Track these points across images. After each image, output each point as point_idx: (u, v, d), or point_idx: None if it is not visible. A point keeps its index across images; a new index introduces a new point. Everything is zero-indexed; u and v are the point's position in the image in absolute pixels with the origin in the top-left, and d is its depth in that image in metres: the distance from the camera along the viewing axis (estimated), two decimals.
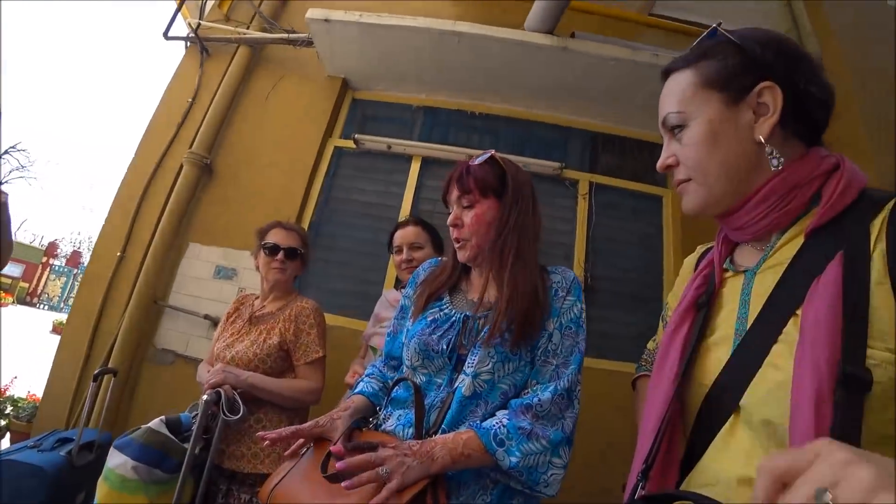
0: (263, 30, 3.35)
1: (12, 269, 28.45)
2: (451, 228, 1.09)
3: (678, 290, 0.92)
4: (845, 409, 0.49)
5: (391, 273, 2.75)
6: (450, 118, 3.26)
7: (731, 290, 0.71)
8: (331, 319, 2.49)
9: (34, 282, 31.44)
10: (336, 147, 3.16)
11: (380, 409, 1.07)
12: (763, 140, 0.65)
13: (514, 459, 0.86)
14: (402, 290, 1.89)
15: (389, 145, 3.09)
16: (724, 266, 0.75)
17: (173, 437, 1.50)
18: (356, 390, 1.13)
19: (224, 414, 1.52)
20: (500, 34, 2.69)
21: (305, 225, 2.92)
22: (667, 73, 0.76)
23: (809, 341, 0.53)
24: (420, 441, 0.87)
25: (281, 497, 0.91)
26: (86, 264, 3.03)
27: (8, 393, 3.39)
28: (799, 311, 0.58)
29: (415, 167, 3.09)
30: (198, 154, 2.95)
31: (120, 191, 3.00)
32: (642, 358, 1.11)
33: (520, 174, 1.12)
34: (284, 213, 2.76)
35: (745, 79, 0.66)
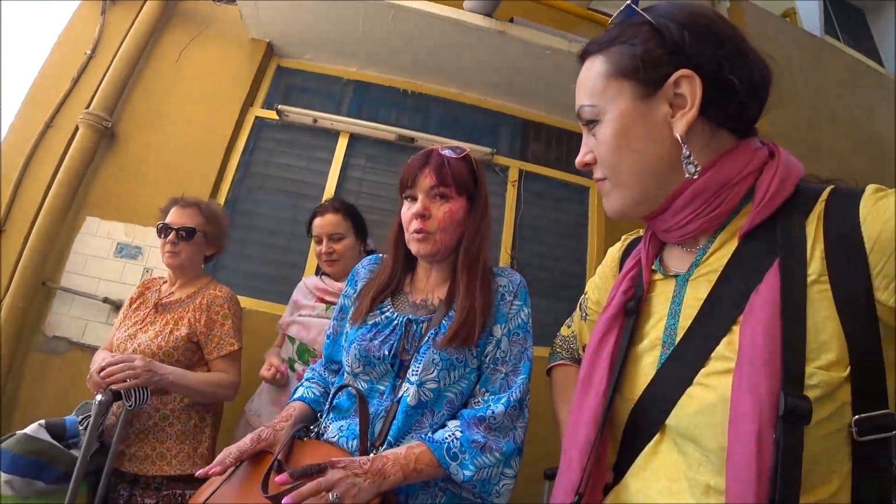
0: None
1: None
2: (413, 219, 1.01)
3: (600, 282, 0.92)
4: (786, 442, 0.47)
5: (313, 257, 2.63)
6: (380, 95, 3.13)
7: (661, 295, 0.68)
8: (247, 303, 2.36)
9: None
10: (257, 117, 2.94)
11: (321, 416, 1.02)
12: (680, 138, 0.58)
13: (468, 473, 0.86)
14: (323, 278, 1.82)
15: (315, 119, 2.92)
16: (653, 268, 0.71)
17: (56, 444, 1.34)
18: (296, 396, 1.08)
19: (127, 402, 1.37)
20: (437, 11, 2.58)
21: (221, 200, 2.71)
22: (582, 57, 0.68)
23: (747, 366, 0.50)
24: (371, 458, 0.83)
25: None
26: None
27: None
28: (735, 327, 0.55)
29: (342, 143, 2.95)
30: (96, 115, 2.62)
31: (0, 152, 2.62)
32: (556, 343, 1.08)
33: (485, 179, 1.09)
34: (197, 187, 2.55)
35: (661, 66, 0.59)
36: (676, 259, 0.69)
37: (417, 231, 1.01)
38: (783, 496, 0.46)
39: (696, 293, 0.62)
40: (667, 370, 0.60)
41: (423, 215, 1.00)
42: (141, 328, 1.63)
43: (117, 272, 2.51)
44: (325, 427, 0.97)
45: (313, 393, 1.08)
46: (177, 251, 1.65)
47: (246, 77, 2.92)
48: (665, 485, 0.57)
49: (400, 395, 0.93)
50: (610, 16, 0.66)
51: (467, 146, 2.84)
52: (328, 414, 1.00)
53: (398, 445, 0.89)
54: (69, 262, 2.52)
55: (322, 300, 1.77)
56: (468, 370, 0.96)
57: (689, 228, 0.63)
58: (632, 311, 0.69)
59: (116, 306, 2.42)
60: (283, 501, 0.72)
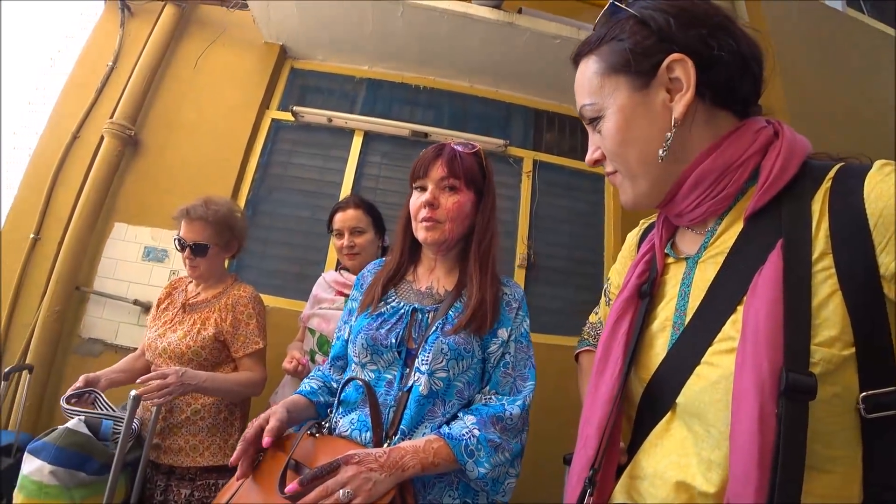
0: None
1: None
2: (422, 208, 1.04)
3: (620, 267, 0.93)
4: (789, 418, 0.47)
5: (332, 253, 2.68)
6: (393, 92, 3.16)
7: (673, 277, 0.69)
8: (269, 301, 2.41)
9: None
10: (273, 119, 3.00)
11: (330, 411, 1.05)
12: (676, 120, 0.59)
13: (482, 471, 0.88)
14: (342, 272, 1.86)
15: (330, 118, 2.96)
16: (666, 251, 0.72)
17: (94, 438, 1.41)
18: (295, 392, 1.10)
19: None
20: (446, 6, 2.60)
21: (241, 202, 2.78)
22: (576, 59, 0.70)
23: (750, 344, 0.51)
24: (387, 450, 0.85)
25: None
26: None
27: None
28: (740, 307, 0.55)
29: (357, 141, 2.99)
30: (120, 124, 2.71)
31: (31, 164, 2.74)
32: (584, 331, 1.11)
33: (493, 176, 1.13)
34: (218, 189, 2.61)
35: (652, 56, 0.60)
36: (687, 242, 0.70)
37: (426, 219, 1.04)
38: (785, 473, 0.46)
39: (705, 274, 0.62)
40: (677, 350, 0.61)
41: (432, 204, 1.04)
42: (170, 328, 1.69)
43: (145, 275, 2.60)
44: (335, 422, 0.99)
45: (310, 386, 1.10)
46: (195, 265, 1.71)
47: (261, 80, 2.98)
48: (674, 459, 0.58)
49: (410, 385, 0.95)
50: None
51: (480, 138, 2.89)
52: (337, 409, 1.02)
53: (411, 435, 0.92)
54: (100, 267, 2.62)
55: (341, 293, 1.81)
56: (475, 361, 0.99)
57: (698, 212, 0.64)
58: (646, 293, 0.70)
59: (146, 308, 2.51)
60: None
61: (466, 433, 0.90)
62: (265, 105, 2.99)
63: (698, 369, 0.57)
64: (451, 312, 1.01)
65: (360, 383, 0.98)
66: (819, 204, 0.55)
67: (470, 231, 1.08)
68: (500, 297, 1.06)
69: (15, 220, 2.64)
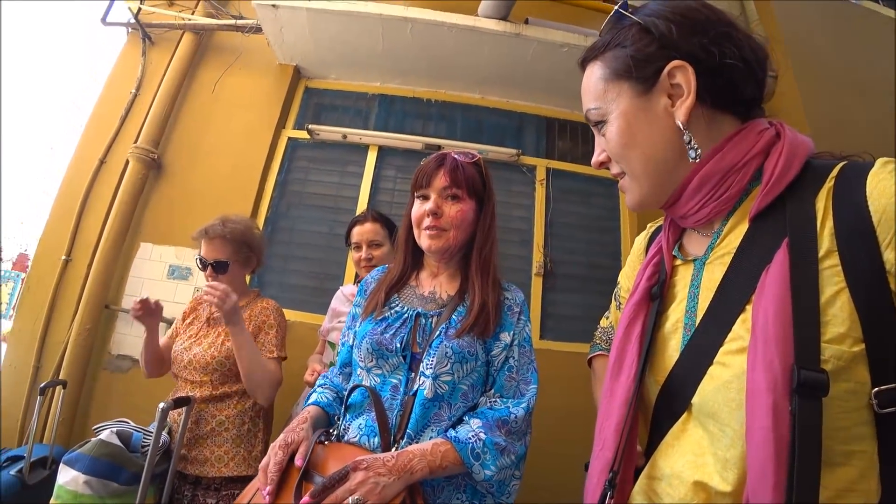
0: (209, 15, 3.20)
1: None
2: (426, 217, 1.07)
3: (629, 271, 0.93)
4: (803, 418, 0.47)
5: (350, 267, 2.73)
6: (405, 106, 3.22)
7: (682, 279, 0.69)
8: (289, 315, 2.46)
9: None
10: (290, 138, 3.08)
11: (338, 419, 1.06)
12: (682, 125, 0.61)
13: (488, 473, 0.90)
14: (359, 285, 1.89)
15: (345, 135, 3.03)
16: (674, 253, 0.73)
17: (125, 449, 1.46)
18: (309, 402, 1.11)
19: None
20: (453, 20, 2.66)
21: (261, 220, 2.85)
22: (583, 64, 0.72)
23: (761, 343, 0.51)
24: (395, 454, 0.87)
25: None
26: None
27: None
28: (748, 307, 0.56)
29: (371, 157, 3.05)
30: (144, 149, 2.82)
31: (61, 190, 2.86)
32: (595, 336, 1.12)
33: (493, 185, 1.15)
34: (238, 208, 2.69)
35: (653, 62, 0.62)
36: (694, 243, 0.71)
37: (430, 228, 1.06)
38: (802, 469, 0.47)
39: (713, 275, 0.63)
40: (689, 351, 0.62)
41: (435, 213, 1.06)
42: (195, 341, 1.74)
43: (170, 292, 2.67)
44: (344, 428, 1.00)
45: (326, 398, 1.10)
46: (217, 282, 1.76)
47: (277, 100, 3.07)
48: (691, 459, 0.59)
49: (416, 389, 0.96)
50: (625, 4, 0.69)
51: (493, 149, 2.92)
52: (345, 415, 1.03)
53: (418, 438, 0.93)
54: (128, 286, 2.71)
55: None
56: (479, 364, 1.01)
57: (702, 213, 0.65)
58: (656, 295, 0.71)
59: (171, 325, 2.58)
60: None
61: (473, 436, 0.91)
62: (281, 124, 3.08)
63: (711, 370, 0.58)
64: (454, 316, 1.03)
65: (366, 389, 0.99)
66: (823, 203, 0.55)
67: (471, 238, 1.11)
68: (502, 302, 1.08)
69: (47, 244, 2.76)
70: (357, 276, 1.99)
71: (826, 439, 0.47)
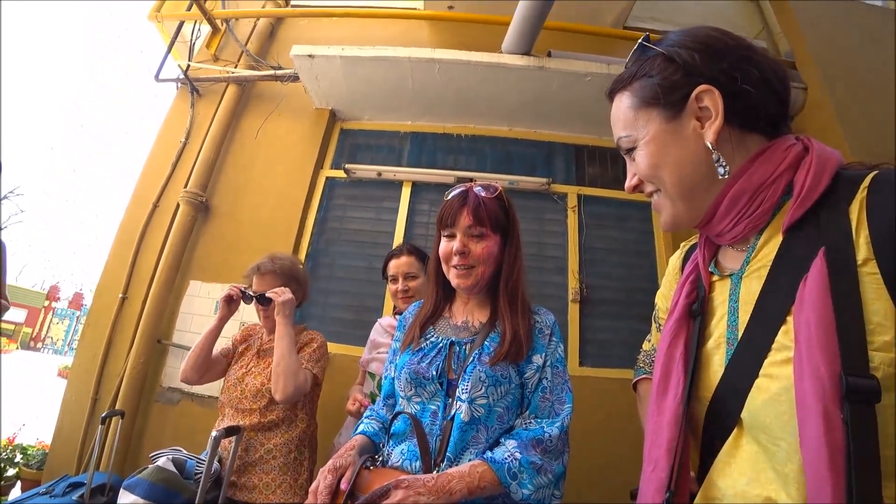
0: (251, 68, 3.44)
1: (15, 315, 28.48)
2: (453, 255, 1.11)
3: (666, 291, 0.94)
4: (856, 425, 0.47)
5: (388, 300, 2.79)
6: (436, 142, 3.33)
7: (720, 294, 0.70)
8: (331, 348, 2.52)
9: (37, 326, 31.41)
10: (328, 178, 3.23)
11: (383, 446, 1.09)
12: (711, 145, 0.62)
13: (526, 492, 0.91)
14: (396, 317, 1.94)
15: (379, 172, 3.16)
16: (710, 270, 0.73)
17: (180, 475, 1.53)
18: (357, 431, 1.15)
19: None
20: (478, 58, 2.78)
21: (302, 256, 2.97)
22: (611, 95, 0.75)
23: (805, 352, 0.51)
24: (435, 475, 0.89)
25: None
26: (88, 306, 3.07)
27: (16, 441, 3.40)
28: (789, 318, 0.56)
29: (405, 192, 3.15)
30: (193, 192, 3.01)
31: (119, 232, 3.07)
32: (639, 360, 1.12)
33: (516, 213, 1.19)
34: (281, 246, 2.82)
35: (680, 88, 0.64)
36: (730, 259, 0.72)
37: (458, 266, 1.11)
38: (860, 476, 0.46)
39: (750, 289, 0.64)
40: (734, 366, 0.62)
41: (462, 252, 1.10)
42: (247, 372, 1.82)
43: None
44: (388, 454, 1.04)
45: (372, 427, 1.14)
46: (268, 315, 1.87)
47: (314, 143, 3.24)
48: (752, 476, 0.57)
49: (453, 413, 0.99)
50: (646, 31, 0.73)
51: (524, 178, 2.97)
52: (388, 442, 1.07)
53: (457, 461, 0.96)
54: (179, 321, 2.85)
55: None
56: (513, 386, 1.03)
57: (737, 230, 0.66)
58: (696, 313, 0.71)
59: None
60: None
61: (508, 456, 0.93)
62: (319, 165, 3.23)
63: (758, 382, 0.57)
64: (486, 343, 1.07)
65: (408, 416, 1.03)
66: (856, 213, 0.55)
67: (499, 268, 1.14)
68: (533, 326, 1.11)
69: (106, 283, 2.94)
70: (395, 307, 2.04)
71: (882, 448, 0.47)
